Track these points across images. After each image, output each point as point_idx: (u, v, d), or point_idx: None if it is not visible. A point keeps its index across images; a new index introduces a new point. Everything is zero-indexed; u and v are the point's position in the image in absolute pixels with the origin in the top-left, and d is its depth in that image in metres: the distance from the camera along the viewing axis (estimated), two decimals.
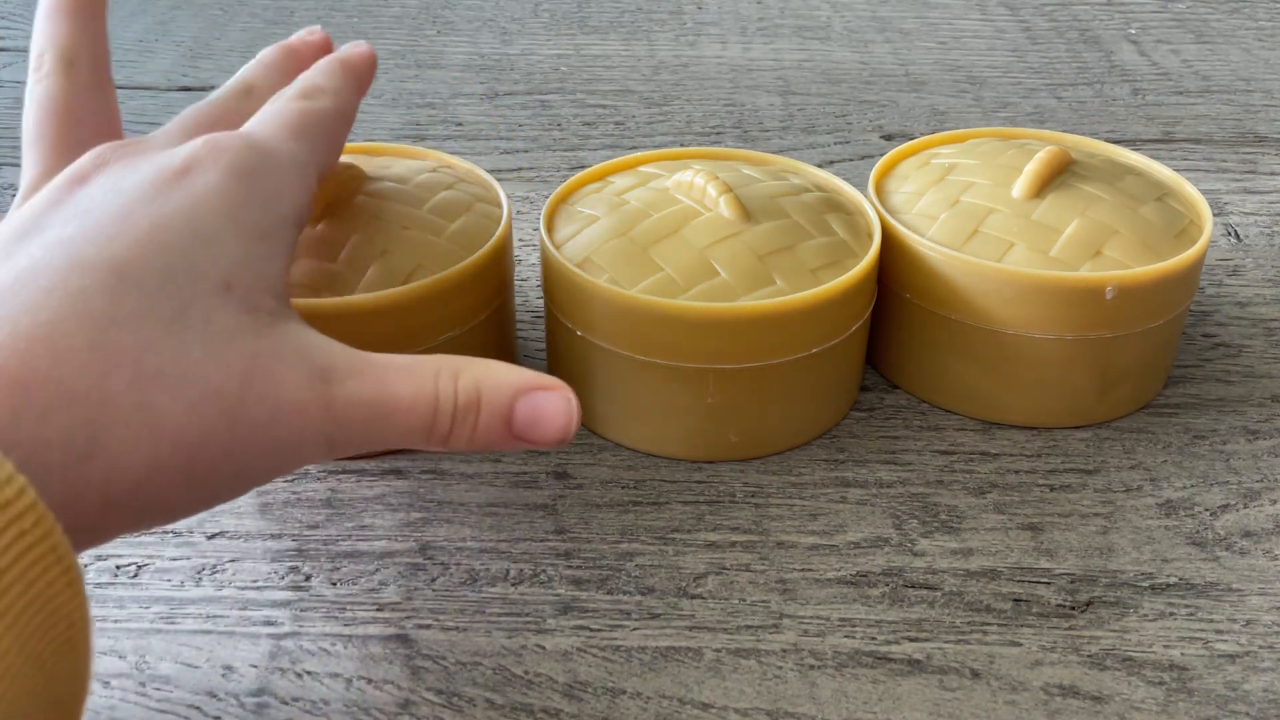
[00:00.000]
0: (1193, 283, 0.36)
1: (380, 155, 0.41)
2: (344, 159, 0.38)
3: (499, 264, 0.36)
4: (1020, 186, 0.36)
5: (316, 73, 0.33)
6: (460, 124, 0.57)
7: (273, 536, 0.32)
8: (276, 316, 0.27)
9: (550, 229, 0.37)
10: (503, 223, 0.36)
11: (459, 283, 0.34)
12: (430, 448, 0.28)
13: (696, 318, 0.32)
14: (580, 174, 0.39)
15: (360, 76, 0.34)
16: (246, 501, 0.34)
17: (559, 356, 0.37)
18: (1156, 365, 0.37)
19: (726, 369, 0.33)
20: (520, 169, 0.53)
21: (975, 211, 0.36)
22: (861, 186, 0.39)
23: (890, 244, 0.36)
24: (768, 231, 0.35)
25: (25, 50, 0.65)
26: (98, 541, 0.25)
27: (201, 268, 0.26)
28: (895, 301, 0.37)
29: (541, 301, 0.39)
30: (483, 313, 0.35)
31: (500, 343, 0.37)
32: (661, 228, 0.35)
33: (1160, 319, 0.35)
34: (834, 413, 0.36)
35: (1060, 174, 0.37)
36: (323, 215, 0.35)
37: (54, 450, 0.23)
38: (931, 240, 0.35)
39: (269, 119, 0.31)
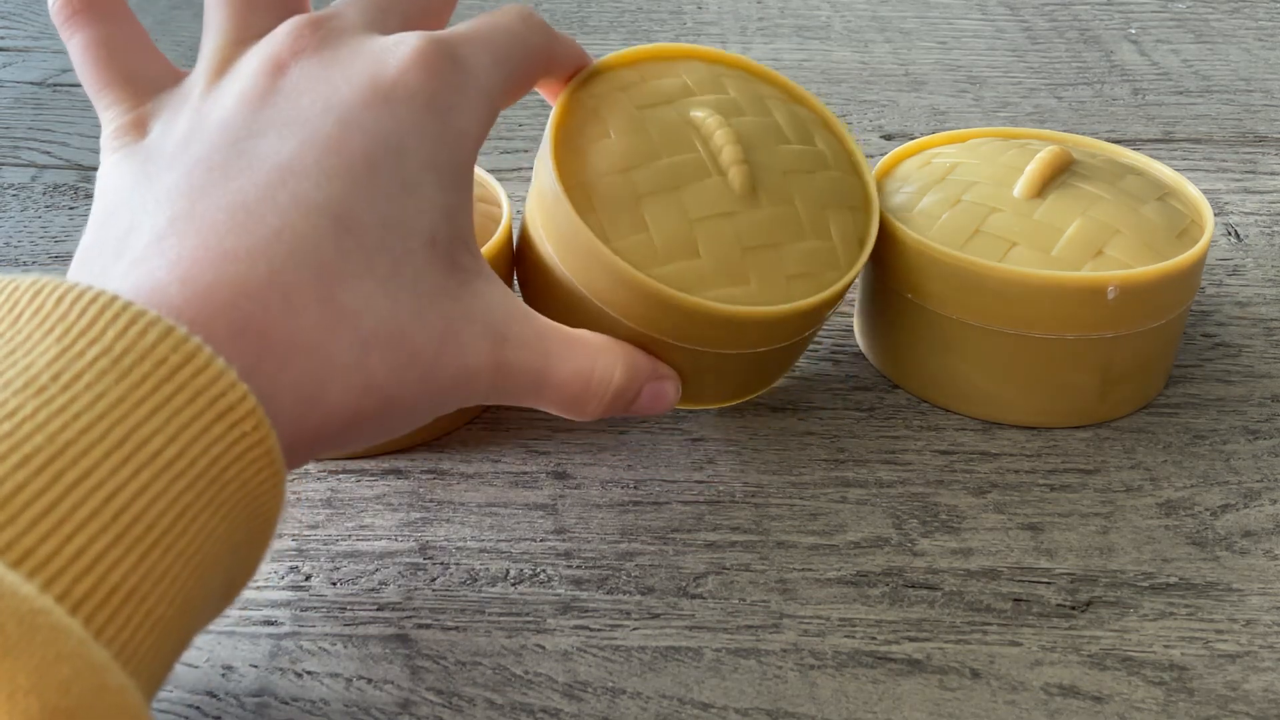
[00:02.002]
0: (1194, 282, 0.36)
1: None
2: None
3: (500, 264, 0.36)
4: (1021, 186, 0.36)
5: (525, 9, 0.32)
6: None
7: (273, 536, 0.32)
8: (469, 274, 0.28)
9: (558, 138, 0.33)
10: (503, 223, 0.36)
11: None
12: (560, 414, 0.31)
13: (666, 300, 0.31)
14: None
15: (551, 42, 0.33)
16: None
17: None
18: (1158, 365, 0.37)
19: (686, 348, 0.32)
20: (520, 169, 0.53)
21: (976, 211, 0.36)
22: None
23: (891, 244, 0.36)
24: (763, 221, 0.33)
25: (25, 50, 0.65)
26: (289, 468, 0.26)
27: (410, 221, 0.27)
28: (896, 301, 0.37)
29: None
30: None
31: None
32: (663, 178, 0.33)
33: (1162, 319, 0.35)
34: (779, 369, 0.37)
35: (1061, 174, 0.37)
36: None
37: (285, 398, 0.24)
38: (933, 240, 0.35)
39: (479, 37, 0.30)
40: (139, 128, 0.28)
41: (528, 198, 0.35)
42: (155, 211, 0.25)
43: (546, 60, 0.33)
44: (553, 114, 0.34)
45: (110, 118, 0.29)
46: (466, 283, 0.28)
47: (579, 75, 0.35)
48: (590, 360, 0.30)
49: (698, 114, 0.34)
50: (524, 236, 0.35)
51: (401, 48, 0.28)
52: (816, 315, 0.33)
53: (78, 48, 0.30)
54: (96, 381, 0.21)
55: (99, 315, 0.21)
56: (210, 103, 0.28)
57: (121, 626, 0.20)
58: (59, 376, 0.21)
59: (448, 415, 0.33)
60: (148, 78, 0.29)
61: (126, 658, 0.19)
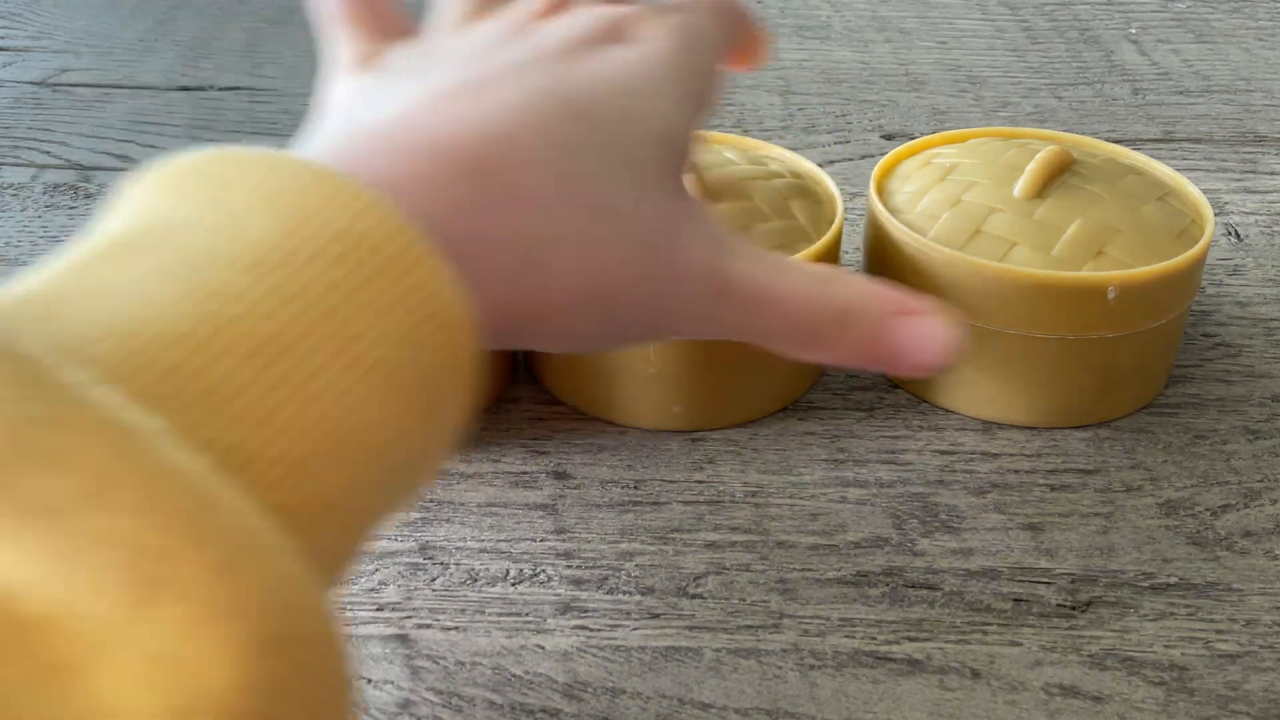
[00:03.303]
0: (1195, 282, 0.36)
1: None
2: None
3: None
4: (1021, 186, 0.36)
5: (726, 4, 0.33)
6: None
7: None
8: (684, 188, 0.28)
9: None
10: None
11: None
12: (800, 354, 0.28)
13: None
14: None
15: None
16: None
17: None
18: (1158, 365, 0.37)
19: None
20: None
21: (977, 211, 0.36)
22: (862, 186, 0.39)
23: (891, 243, 0.36)
24: (726, 212, 0.35)
25: (25, 50, 0.65)
26: (501, 346, 0.25)
27: (649, 116, 0.27)
28: None
29: None
30: None
31: None
32: None
33: (1162, 318, 0.35)
34: (794, 385, 0.37)
35: (1062, 173, 0.37)
36: None
37: (505, 255, 0.24)
38: (933, 240, 0.35)
39: (690, 11, 0.31)
40: (374, 60, 0.29)
41: None
42: (389, 99, 0.26)
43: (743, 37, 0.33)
44: None
45: (344, 51, 0.29)
46: (683, 192, 0.28)
47: None
48: (815, 277, 0.27)
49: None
50: None
51: (635, 10, 0.29)
52: None
53: None
54: (328, 269, 0.19)
55: (335, 194, 0.20)
56: (450, 40, 0.29)
57: (326, 538, 0.19)
58: (290, 258, 0.19)
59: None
60: (385, 21, 0.30)
61: (321, 575, 0.18)
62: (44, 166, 0.53)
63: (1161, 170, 0.39)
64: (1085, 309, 0.34)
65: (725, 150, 0.39)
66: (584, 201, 0.25)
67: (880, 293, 0.27)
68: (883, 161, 0.40)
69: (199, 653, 0.15)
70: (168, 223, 0.20)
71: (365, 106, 0.26)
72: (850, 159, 0.53)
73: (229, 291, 0.19)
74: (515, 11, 0.29)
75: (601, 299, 0.25)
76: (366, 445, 0.19)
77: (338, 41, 0.30)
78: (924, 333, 0.27)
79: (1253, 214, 0.49)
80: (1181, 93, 0.60)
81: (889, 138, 0.55)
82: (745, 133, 0.56)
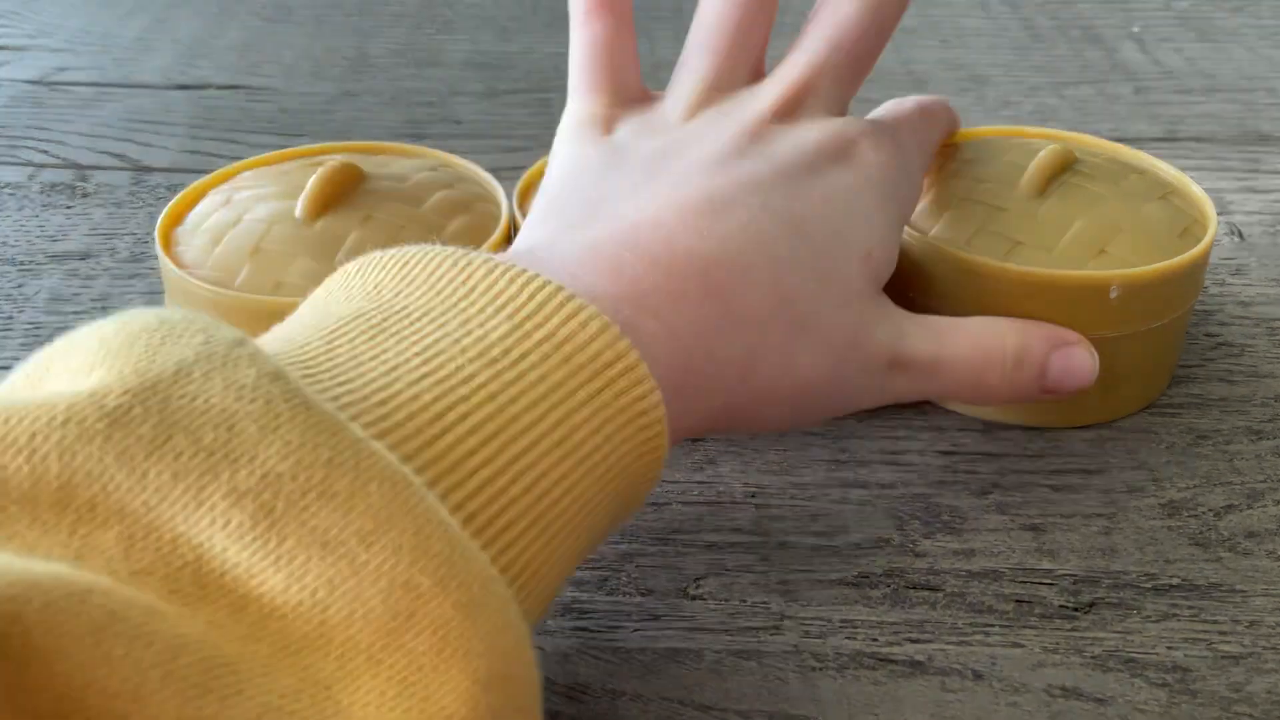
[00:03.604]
0: (1197, 281, 0.36)
1: (378, 154, 0.41)
2: (341, 158, 0.38)
3: None
4: (1024, 184, 0.36)
5: (935, 105, 0.37)
6: (459, 122, 0.57)
7: None
8: (880, 294, 0.31)
9: (524, 209, 0.37)
10: (502, 222, 0.36)
11: None
12: (969, 402, 0.33)
13: None
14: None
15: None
16: None
17: None
18: (1161, 364, 0.37)
19: None
20: (520, 167, 0.52)
21: (980, 210, 0.36)
22: None
23: None
24: None
25: (22, 48, 0.65)
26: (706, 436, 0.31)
27: (853, 239, 0.30)
28: (899, 300, 0.37)
29: None
30: None
31: None
32: None
33: (1164, 318, 0.35)
34: None
35: (1064, 172, 0.37)
36: (320, 214, 0.35)
37: (730, 368, 0.27)
38: (935, 239, 0.35)
39: (907, 126, 0.35)
40: (607, 124, 0.32)
41: None
42: (630, 192, 0.28)
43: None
44: (514, 206, 0.37)
45: (583, 106, 0.32)
46: (880, 297, 0.31)
47: (526, 177, 0.39)
48: (978, 333, 0.31)
49: None
50: None
51: (858, 126, 0.32)
52: None
53: (585, 40, 0.33)
54: (540, 363, 0.22)
55: (546, 301, 0.23)
56: (686, 131, 0.31)
57: (522, 600, 0.21)
58: (509, 352, 0.22)
59: None
60: (627, 84, 0.33)
61: None
62: (41, 165, 0.52)
63: (1164, 169, 0.39)
64: (1087, 308, 0.34)
65: None
66: (791, 319, 0.28)
67: (1038, 331, 0.32)
68: None
69: (439, 682, 0.17)
70: (403, 310, 0.23)
71: (605, 192, 0.29)
72: None
73: (459, 376, 0.21)
74: (749, 109, 0.31)
75: (797, 396, 0.29)
76: (565, 521, 0.22)
77: (579, 95, 0.33)
78: (1078, 363, 0.32)
79: (1256, 213, 0.48)
80: (1185, 92, 0.60)
81: None
82: None
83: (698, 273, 0.26)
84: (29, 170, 0.52)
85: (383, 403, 0.20)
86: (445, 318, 0.23)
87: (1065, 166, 0.37)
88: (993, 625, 0.29)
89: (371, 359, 0.21)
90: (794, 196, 0.29)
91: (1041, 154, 0.37)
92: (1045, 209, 0.35)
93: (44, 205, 0.49)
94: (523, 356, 0.22)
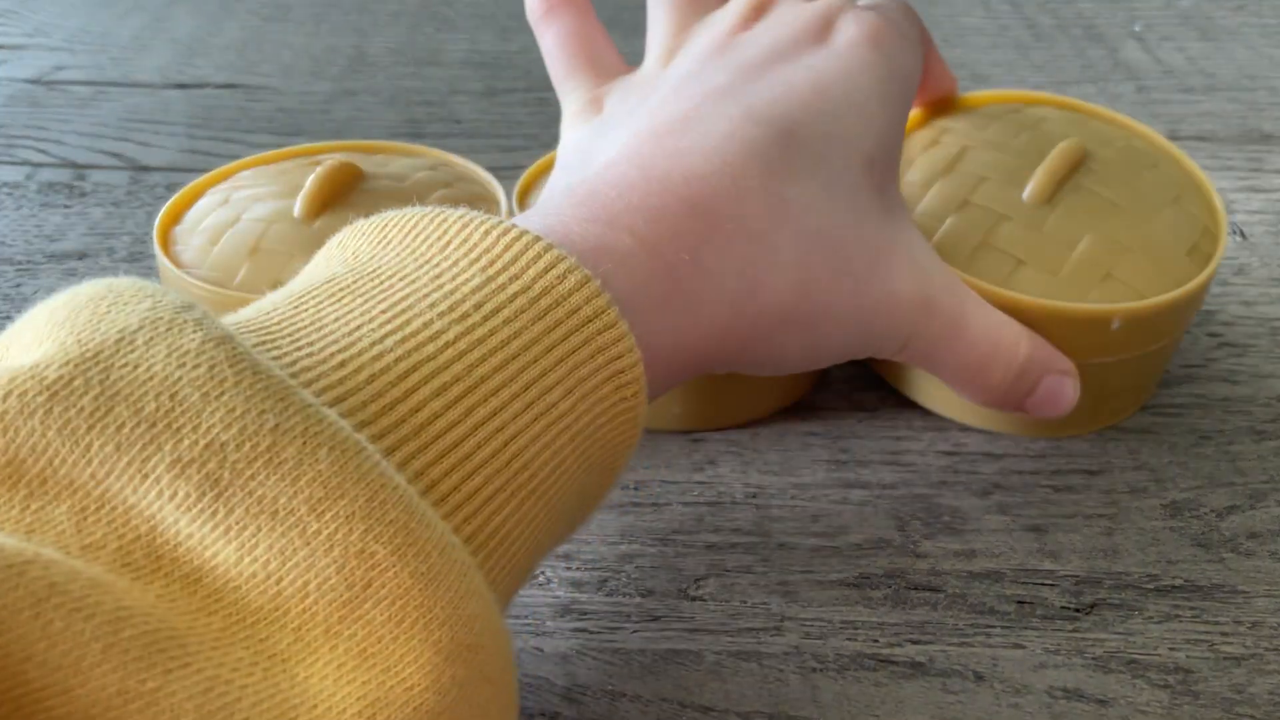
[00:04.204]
0: (1199, 303, 0.35)
1: (377, 153, 0.41)
2: (340, 157, 0.38)
3: None
4: (1032, 190, 0.35)
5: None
6: (459, 121, 0.56)
7: None
8: (895, 205, 0.29)
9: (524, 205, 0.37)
10: None
11: None
12: (960, 391, 0.31)
13: None
14: (543, 159, 0.39)
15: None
16: None
17: None
18: (1151, 379, 0.36)
19: None
20: (519, 166, 0.52)
21: (984, 218, 0.35)
22: None
23: None
24: None
25: (20, 47, 0.65)
26: (711, 371, 0.27)
27: (853, 139, 0.28)
28: None
29: None
30: None
31: None
32: None
33: (1163, 341, 0.34)
34: (796, 386, 0.37)
35: (1075, 171, 0.35)
36: (319, 213, 0.35)
37: (730, 280, 0.25)
38: (938, 251, 0.34)
39: (882, 21, 0.31)
40: (597, 105, 0.31)
41: None
42: (610, 145, 0.28)
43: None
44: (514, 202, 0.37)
45: (572, 100, 0.32)
46: (892, 211, 0.29)
47: (525, 177, 0.39)
48: (1000, 323, 0.30)
49: None
50: None
51: (834, 3, 0.30)
52: None
53: (552, 39, 0.33)
54: (514, 318, 0.21)
55: (522, 252, 0.22)
56: (663, 76, 0.30)
57: (491, 568, 0.20)
58: (481, 306, 0.21)
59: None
60: (605, 64, 0.33)
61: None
62: (39, 165, 0.52)
63: (1179, 160, 0.38)
64: (1088, 338, 0.33)
65: None
66: (798, 230, 0.26)
67: (1044, 351, 0.31)
68: None
69: (400, 653, 0.17)
70: (374, 271, 0.22)
71: (590, 151, 0.29)
72: None
73: (426, 333, 0.20)
74: (716, 28, 0.30)
75: (811, 318, 0.27)
76: (536, 485, 0.21)
77: (564, 91, 0.33)
78: (1063, 393, 0.31)
79: (1258, 213, 0.48)
80: (1186, 90, 0.60)
81: None
82: None
83: (678, 187, 0.25)
84: (26, 170, 0.52)
85: (341, 364, 0.20)
86: (417, 274, 0.22)
87: (1077, 165, 0.35)
88: (994, 626, 0.29)
89: (335, 320, 0.21)
90: (775, 99, 0.27)
91: (1052, 155, 0.35)
92: (1052, 221, 0.34)
93: (42, 205, 0.49)
94: (495, 311, 0.21)
